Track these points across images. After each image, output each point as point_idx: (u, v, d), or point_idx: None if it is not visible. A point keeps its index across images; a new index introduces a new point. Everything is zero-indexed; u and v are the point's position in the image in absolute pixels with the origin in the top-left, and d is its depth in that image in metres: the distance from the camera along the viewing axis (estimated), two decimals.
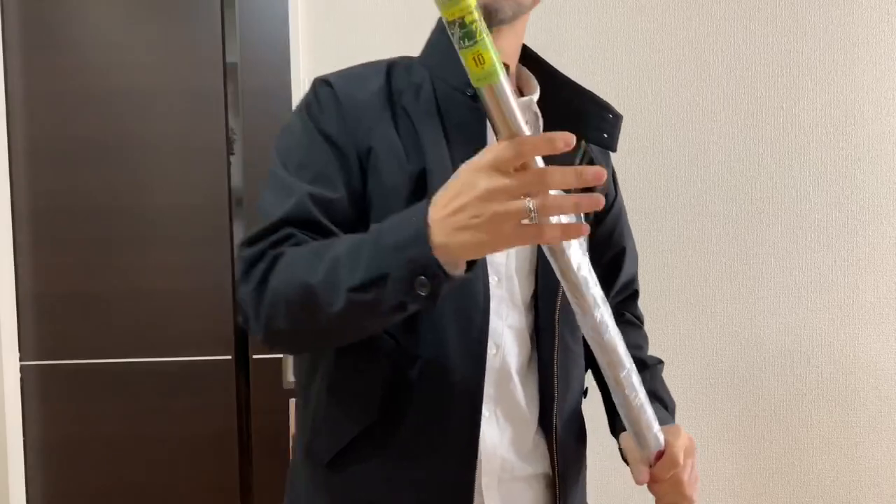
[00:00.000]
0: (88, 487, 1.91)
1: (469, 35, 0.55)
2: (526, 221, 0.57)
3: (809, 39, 1.76)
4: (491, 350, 0.83)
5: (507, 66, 0.72)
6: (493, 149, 0.57)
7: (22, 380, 1.90)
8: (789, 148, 1.77)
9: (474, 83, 0.57)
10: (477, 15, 0.55)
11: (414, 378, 0.80)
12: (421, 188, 0.78)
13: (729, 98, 1.76)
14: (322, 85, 0.84)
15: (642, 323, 1.15)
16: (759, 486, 1.80)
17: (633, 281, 1.10)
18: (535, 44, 1.75)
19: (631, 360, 0.80)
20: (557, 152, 0.56)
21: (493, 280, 0.83)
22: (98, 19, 1.88)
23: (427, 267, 0.60)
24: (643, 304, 1.77)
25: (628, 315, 1.12)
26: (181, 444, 1.91)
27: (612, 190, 1.01)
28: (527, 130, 0.58)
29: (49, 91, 1.87)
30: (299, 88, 1.75)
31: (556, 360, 0.88)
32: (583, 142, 0.88)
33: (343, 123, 0.80)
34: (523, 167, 0.57)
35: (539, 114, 0.89)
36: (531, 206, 0.56)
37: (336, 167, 0.79)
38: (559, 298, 0.87)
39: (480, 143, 0.76)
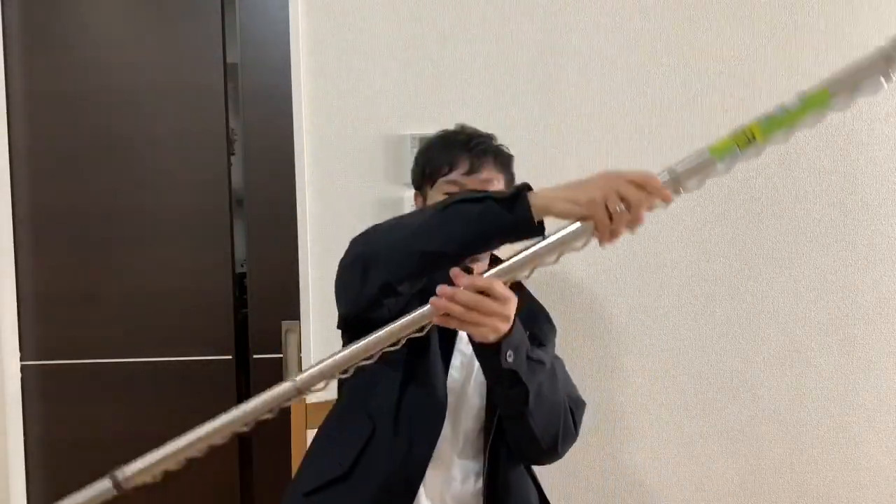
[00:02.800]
0: None
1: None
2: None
3: (809, 39, 1.76)
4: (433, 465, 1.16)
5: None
6: (640, 172, 0.86)
7: (22, 380, 1.90)
8: (789, 148, 1.77)
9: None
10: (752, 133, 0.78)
11: (379, 454, 1.13)
12: (423, 344, 1.13)
13: (728, 98, 1.76)
14: None
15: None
16: (758, 486, 1.80)
17: None
18: (534, 44, 1.75)
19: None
20: (667, 200, 0.89)
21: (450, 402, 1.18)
22: (98, 19, 1.88)
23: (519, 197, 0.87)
24: (643, 303, 1.78)
25: None
26: None
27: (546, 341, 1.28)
28: None
29: (49, 91, 1.87)
30: (299, 88, 1.75)
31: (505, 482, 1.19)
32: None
33: None
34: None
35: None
36: (619, 208, 0.83)
37: None
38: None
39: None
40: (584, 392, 1.29)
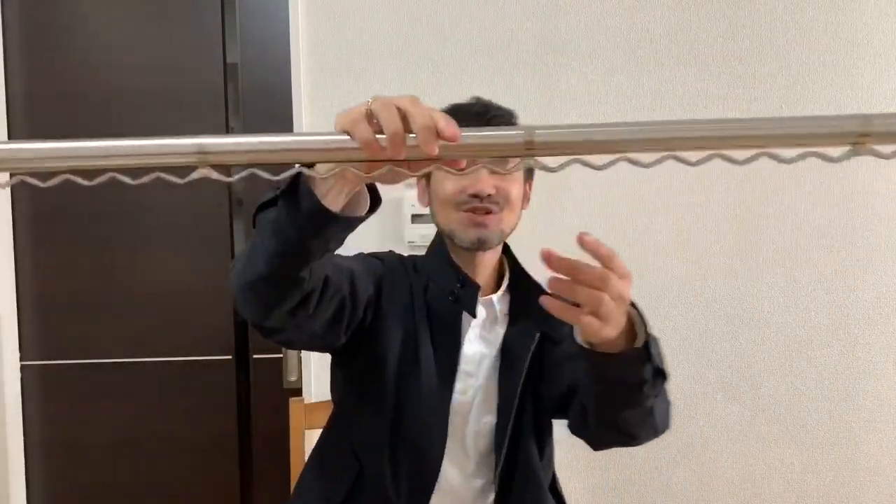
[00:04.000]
0: (88, 487, 1.91)
1: None
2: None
3: (809, 39, 1.76)
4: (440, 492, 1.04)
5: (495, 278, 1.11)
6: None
7: (22, 380, 1.90)
8: None
9: None
10: None
11: (366, 497, 1.03)
12: (412, 367, 1.03)
13: (729, 98, 1.76)
14: (374, 256, 1.12)
15: None
16: (758, 487, 1.80)
17: None
18: (534, 44, 1.75)
19: None
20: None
21: (451, 430, 1.05)
22: (98, 20, 1.88)
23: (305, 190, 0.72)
24: (643, 303, 1.77)
25: None
26: (181, 444, 1.91)
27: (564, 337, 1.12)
28: None
29: (49, 91, 1.87)
30: (299, 88, 1.75)
31: None
32: (537, 333, 1.07)
33: (380, 280, 1.06)
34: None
35: (495, 304, 1.10)
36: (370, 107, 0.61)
37: (369, 276, 1.03)
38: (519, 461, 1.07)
39: (458, 338, 1.05)
40: None
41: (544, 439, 1.11)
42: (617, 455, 1.76)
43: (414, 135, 0.56)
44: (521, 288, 1.12)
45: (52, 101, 1.87)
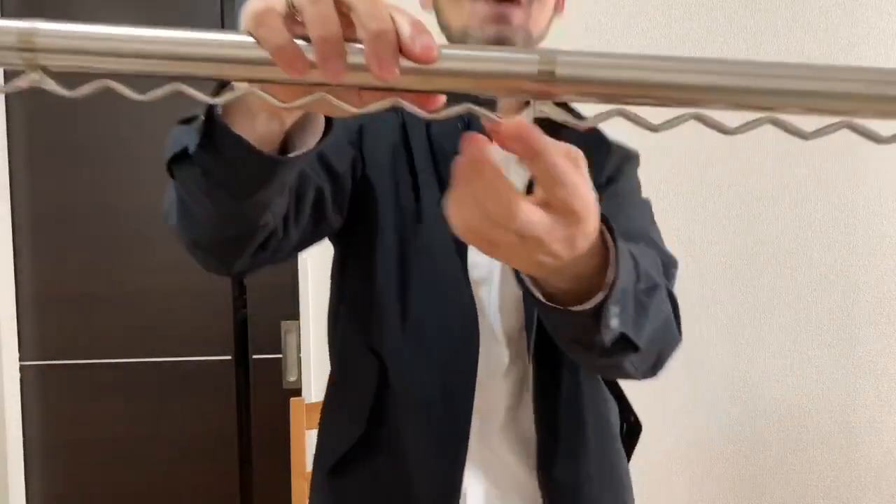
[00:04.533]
0: (88, 488, 1.91)
1: None
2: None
3: (810, 39, 1.76)
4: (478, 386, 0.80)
5: None
6: None
7: (22, 380, 1.90)
8: (790, 147, 1.77)
9: None
10: None
11: (397, 400, 0.81)
12: (415, 222, 0.81)
13: None
14: None
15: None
16: (759, 487, 1.80)
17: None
18: None
19: None
20: None
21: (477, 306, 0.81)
22: (98, 20, 1.87)
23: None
24: None
25: None
26: (181, 445, 1.91)
27: (612, 173, 0.91)
28: None
29: (48, 91, 1.87)
30: None
31: (559, 393, 0.82)
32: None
33: (360, 129, 0.82)
34: None
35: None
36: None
37: (343, 130, 0.79)
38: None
39: None
40: None
41: None
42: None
43: (361, 46, 0.35)
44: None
45: (51, 102, 1.87)
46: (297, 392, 1.81)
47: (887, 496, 1.80)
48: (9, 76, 1.77)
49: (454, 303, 0.80)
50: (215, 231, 0.61)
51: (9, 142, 1.86)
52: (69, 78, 0.36)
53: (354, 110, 0.37)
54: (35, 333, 1.90)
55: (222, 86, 0.45)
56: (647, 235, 0.87)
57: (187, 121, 0.57)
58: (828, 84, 0.34)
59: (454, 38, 0.79)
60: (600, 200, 0.68)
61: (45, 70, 0.35)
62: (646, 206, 0.95)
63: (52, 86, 0.36)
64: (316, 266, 1.75)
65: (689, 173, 1.77)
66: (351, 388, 0.86)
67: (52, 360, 1.90)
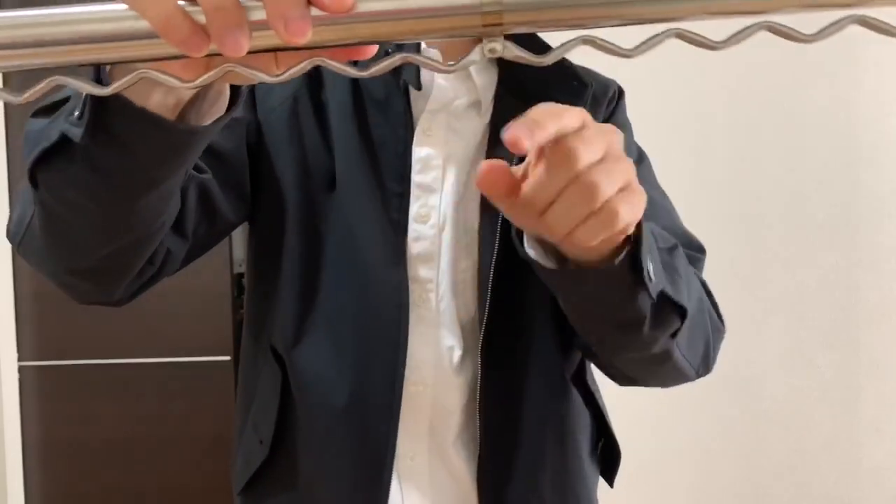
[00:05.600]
0: (87, 488, 1.91)
1: None
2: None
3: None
4: (410, 388, 0.66)
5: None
6: None
7: (20, 380, 1.89)
8: (790, 148, 1.76)
9: None
10: None
11: (300, 419, 0.67)
12: (325, 189, 0.66)
13: (729, 98, 1.76)
14: None
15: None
16: (759, 487, 1.80)
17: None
18: None
19: None
20: None
21: (414, 295, 0.65)
22: None
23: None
24: None
25: None
26: (180, 444, 1.90)
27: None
28: None
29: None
30: None
31: (512, 397, 0.68)
32: None
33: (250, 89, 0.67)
34: None
35: (472, 73, 0.68)
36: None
37: None
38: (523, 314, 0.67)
39: (406, 130, 0.65)
40: None
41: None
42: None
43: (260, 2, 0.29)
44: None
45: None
46: None
47: (889, 497, 1.79)
48: None
49: (377, 284, 0.64)
50: (98, 246, 0.49)
51: (8, 142, 1.86)
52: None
53: (271, 78, 0.31)
54: (34, 333, 1.89)
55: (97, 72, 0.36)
56: (667, 211, 0.78)
57: (46, 110, 0.48)
58: None
59: None
60: None
61: None
62: (649, 168, 0.81)
63: None
64: None
65: (690, 174, 1.76)
66: (254, 400, 0.73)
67: (51, 360, 1.90)
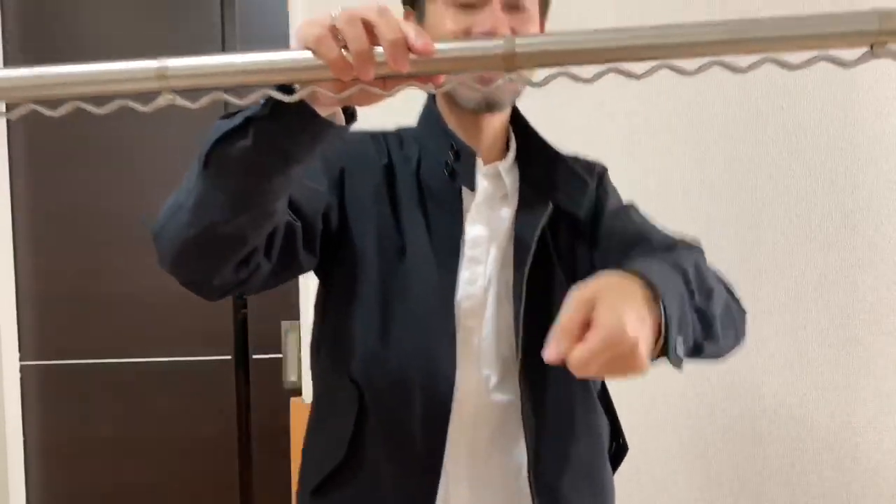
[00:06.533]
0: (88, 487, 1.91)
1: None
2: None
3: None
4: (456, 405, 0.85)
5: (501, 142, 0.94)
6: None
7: (22, 380, 1.90)
8: (789, 148, 1.77)
9: None
10: None
11: (375, 427, 0.85)
12: (397, 260, 0.86)
13: (729, 98, 1.76)
14: None
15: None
16: (759, 487, 1.80)
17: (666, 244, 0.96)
18: None
19: None
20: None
21: (461, 335, 0.85)
22: (98, 19, 1.88)
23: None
24: None
25: None
26: (181, 444, 1.91)
27: (595, 200, 1.00)
28: None
29: None
30: None
31: (549, 409, 0.88)
32: (550, 204, 0.91)
33: (340, 173, 0.89)
34: None
35: (503, 175, 0.92)
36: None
37: (317, 180, 0.86)
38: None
39: (458, 217, 0.87)
40: None
41: None
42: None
43: (382, 49, 0.52)
44: (534, 157, 0.96)
45: None
46: (298, 392, 1.81)
47: (887, 496, 1.80)
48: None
49: (434, 332, 0.84)
50: (233, 213, 0.66)
51: (9, 141, 1.86)
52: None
53: (384, 93, 0.57)
54: (35, 333, 1.90)
55: (285, 88, 0.57)
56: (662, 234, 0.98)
57: (229, 116, 0.67)
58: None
59: (440, 94, 0.92)
60: (601, 226, 0.96)
61: (177, 91, 0.53)
62: (636, 210, 1.03)
63: (181, 101, 0.52)
64: None
65: (689, 174, 1.77)
66: (331, 416, 0.90)
67: (52, 360, 1.90)
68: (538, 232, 0.87)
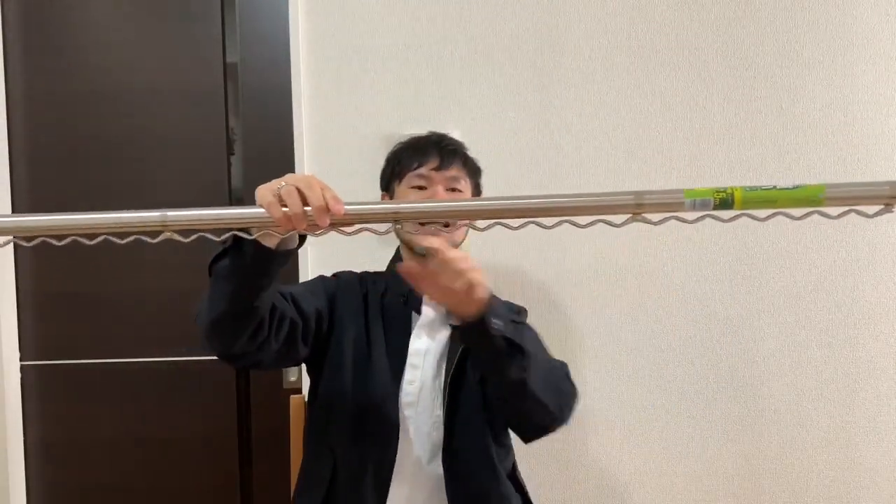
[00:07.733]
0: (88, 487, 1.91)
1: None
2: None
3: (809, 39, 1.76)
4: (397, 476, 1.20)
5: None
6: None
7: (22, 380, 1.90)
8: (789, 148, 1.77)
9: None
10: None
11: (343, 488, 1.20)
12: (365, 366, 1.24)
13: (729, 98, 1.77)
14: (333, 276, 1.36)
15: None
16: (758, 487, 1.80)
17: None
18: (534, 43, 1.75)
19: None
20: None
21: (402, 424, 1.21)
22: (98, 19, 1.88)
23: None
24: (644, 303, 1.78)
25: None
26: (181, 444, 1.91)
27: None
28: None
29: (49, 91, 1.87)
30: (299, 88, 1.75)
31: (468, 484, 1.22)
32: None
33: (333, 295, 1.29)
34: None
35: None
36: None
37: (317, 295, 1.25)
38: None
39: (406, 334, 1.25)
40: (583, 392, 1.29)
41: (499, 428, 1.25)
42: (615, 455, 1.76)
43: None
44: None
45: (52, 101, 1.87)
46: (297, 392, 1.81)
47: (886, 496, 1.80)
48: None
49: (386, 419, 1.19)
50: (229, 305, 0.99)
51: (9, 140, 1.86)
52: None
53: (313, 234, 0.89)
54: (35, 333, 1.90)
55: (241, 231, 0.92)
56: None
57: (218, 258, 1.01)
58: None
59: (403, 243, 1.31)
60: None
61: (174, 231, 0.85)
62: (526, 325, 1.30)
63: (177, 237, 0.84)
64: (316, 265, 1.75)
65: (689, 174, 1.77)
66: (312, 476, 1.24)
67: (52, 360, 1.90)
68: (459, 349, 1.22)
